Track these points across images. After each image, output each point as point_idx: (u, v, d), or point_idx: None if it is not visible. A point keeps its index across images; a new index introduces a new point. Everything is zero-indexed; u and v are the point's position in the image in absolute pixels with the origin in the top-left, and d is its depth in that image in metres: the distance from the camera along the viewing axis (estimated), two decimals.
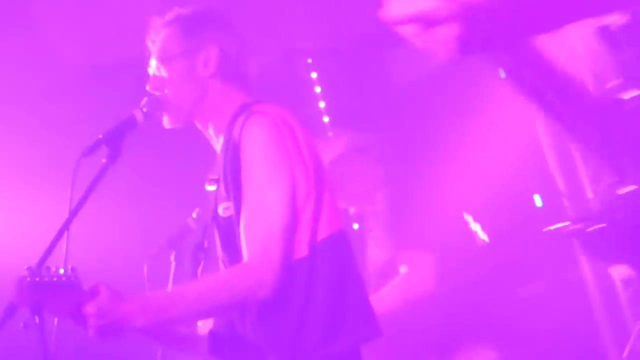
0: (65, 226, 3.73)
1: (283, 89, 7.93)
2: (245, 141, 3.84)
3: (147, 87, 4.15)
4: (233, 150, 3.88)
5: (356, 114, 8.94)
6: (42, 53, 7.91)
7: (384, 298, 5.62)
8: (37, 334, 3.58)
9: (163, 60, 4.14)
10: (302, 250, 3.81)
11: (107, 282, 3.65)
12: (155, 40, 4.22)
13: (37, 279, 3.50)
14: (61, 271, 3.55)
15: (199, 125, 4.21)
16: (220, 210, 3.97)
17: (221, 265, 4.06)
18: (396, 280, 5.67)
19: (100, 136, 3.89)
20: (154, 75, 4.17)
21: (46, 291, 3.52)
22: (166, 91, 4.11)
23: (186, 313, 3.85)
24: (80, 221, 3.79)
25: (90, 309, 3.56)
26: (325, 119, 9.13)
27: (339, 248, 3.93)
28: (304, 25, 8.82)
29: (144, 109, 4.00)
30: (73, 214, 3.76)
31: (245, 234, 3.79)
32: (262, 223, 3.76)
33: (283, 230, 3.75)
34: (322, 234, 3.87)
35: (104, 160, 3.88)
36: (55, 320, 3.69)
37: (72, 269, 3.56)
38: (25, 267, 3.50)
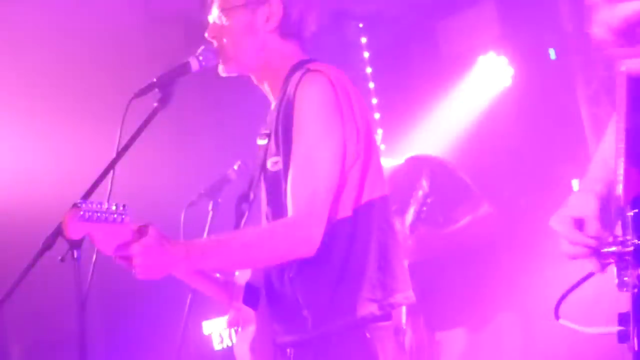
0: (112, 165, 3.73)
1: (332, 51, 7.95)
2: (300, 98, 3.83)
3: (206, 35, 4.14)
4: (287, 106, 3.88)
5: (401, 82, 8.95)
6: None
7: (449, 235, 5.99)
8: (73, 269, 3.60)
9: (225, 9, 4.10)
10: (346, 210, 3.81)
11: (142, 220, 3.66)
12: None
13: (89, 212, 3.50)
14: (113, 207, 3.55)
15: (254, 79, 4.19)
16: (269, 164, 3.97)
17: (264, 219, 4.05)
18: (461, 224, 5.85)
19: (154, 79, 3.91)
20: (214, 23, 4.14)
21: (96, 225, 3.53)
22: (225, 40, 4.09)
23: (229, 262, 3.88)
24: (126, 161, 3.80)
25: (136, 248, 3.56)
26: (371, 85, 9.14)
27: (380, 212, 3.92)
28: None
29: (200, 57, 4.02)
30: (120, 153, 3.76)
31: (292, 190, 3.79)
32: (309, 180, 3.75)
33: (329, 189, 3.75)
34: (366, 197, 3.86)
35: (155, 104, 3.90)
36: (94, 258, 3.70)
37: (124, 206, 3.56)
38: (79, 201, 3.50)
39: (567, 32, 7.84)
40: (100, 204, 3.50)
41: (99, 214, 3.49)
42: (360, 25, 9.36)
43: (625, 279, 2.17)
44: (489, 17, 8.70)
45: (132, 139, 3.78)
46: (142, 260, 3.54)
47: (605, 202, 2.35)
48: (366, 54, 9.33)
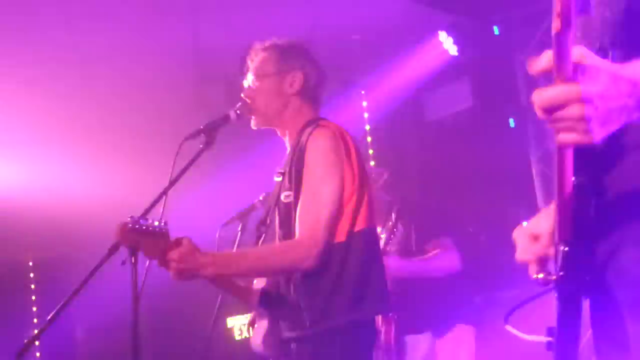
0: (165, 191, 3.80)
1: (339, 110, 8.00)
2: (310, 146, 3.94)
3: (242, 95, 4.23)
4: (299, 152, 3.97)
5: (393, 137, 8.99)
6: (158, 50, 7.99)
7: (417, 262, 5.90)
8: (131, 271, 3.65)
9: (259, 76, 4.21)
10: (341, 236, 3.89)
11: (187, 234, 3.73)
12: (254, 59, 4.28)
13: (137, 225, 3.58)
14: (156, 223, 3.63)
15: (277, 131, 4.28)
16: (282, 197, 4.05)
17: (277, 239, 4.12)
18: (429, 256, 5.84)
19: (201, 127, 3.98)
20: (249, 86, 4.23)
21: (141, 235, 3.61)
22: (257, 100, 4.19)
23: (246, 270, 3.98)
24: (176, 189, 3.86)
25: (173, 255, 3.65)
26: (369, 138, 9.18)
27: (369, 239, 4.00)
28: (360, 64, 8.88)
29: (237, 111, 4.10)
30: (172, 182, 3.83)
31: (300, 217, 3.88)
32: (314, 210, 3.85)
33: (329, 217, 3.84)
34: (359, 226, 3.94)
35: (201, 146, 3.97)
36: (147, 263, 3.75)
37: (165, 222, 3.64)
38: (129, 216, 3.58)
39: (523, 105, 7.89)
40: (146, 219, 3.59)
41: (144, 227, 3.58)
42: (362, 92, 9.41)
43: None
44: (465, 91, 8.74)
45: (182, 172, 3.85)
46: (177, 265, 3.65)
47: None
48: (366, 115, 9.38)
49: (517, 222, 7.90)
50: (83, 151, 8.42)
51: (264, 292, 4.14)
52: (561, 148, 1.84)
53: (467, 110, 8.75)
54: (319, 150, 3.92)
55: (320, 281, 3.88)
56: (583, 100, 1.72)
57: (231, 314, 9.27)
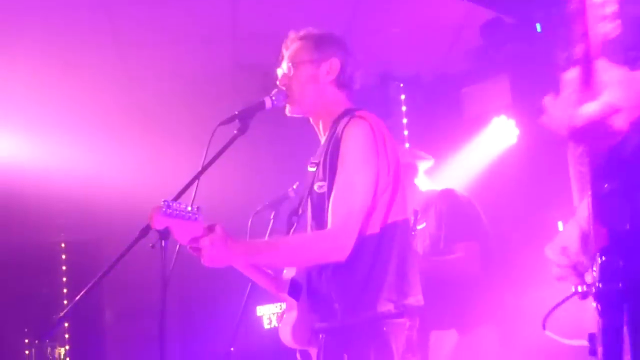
0: (197, 176, 3.78)
1: (377, 103, 7.98)
2: (346, 137, 3.89)
3: (278, 82, 4.21)
4: (334, 143, 3.93)
5: (429, 132, 8.95)
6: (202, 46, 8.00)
7: (436, 262, 5.82)
8: (160, 255, 3.64)
9: (295, 63, 4.19)
10: (375, 227, 3.85)
11: (219, 220, 3.71)
12: (290, 48, 4.27)
13: (170, 209, 3.57)
14: (189, 208, 3.61)
15: (311, 120, 4.27)
16: (315, 187, 4.02)
17: (309, 229, 4.09)
18: (451, 257, 5.77)
19: (236, 112, 3.96)
20: (285, 74, 4.22)
21: (174, 219, 3.59)
22: (293, 87, 4.17)
23: (277, 259, 3.95)
24: (209, 174, 3.85)
25: (205, 241, 3.63)
26: (406, 132, 9.15)
27: (402, 231, 3.97)
28: (403, 57, 8.85)
29: (273, 98, 4.08)
30: (205, 168, 3.81)
31: (332, 208, 3.84)
32: (347, 201, 3.81)
33: (362, 209, 3.80)
34: (392, 218, 3.90)
35: (235, 131, 3.95)
36: (177, 247, 3.74)
37: (198, 207, 3.62)
38: (163, 200, 3.56)
39: None
40: (180, 204, 3.57)
41: (177, 212, 3.57)
42: (401, 85, 9.38)
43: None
44: (503, 88, 8.69)
45: (215, 158, 3.83)
46: (209, 251, 3.64)
47: (586, 235, 2.37)
48: (404, 108, 9.35)
49: (553, 223, 7.87)
50: (118, 135, 8.47)
51: (293, 283, 4.11)
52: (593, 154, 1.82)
53: (506, 106, 8.69)
54: (354, 141, 3.88)
55: (353, 272, 3.84)
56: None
57: (261, 303, 9.27)
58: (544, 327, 2.70)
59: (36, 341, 9.03)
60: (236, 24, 7.99)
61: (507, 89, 8.71)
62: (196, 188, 3.79)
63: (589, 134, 1.74)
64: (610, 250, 2.05)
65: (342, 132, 3.92)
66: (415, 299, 3.96)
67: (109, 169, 8.65)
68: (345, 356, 3.83)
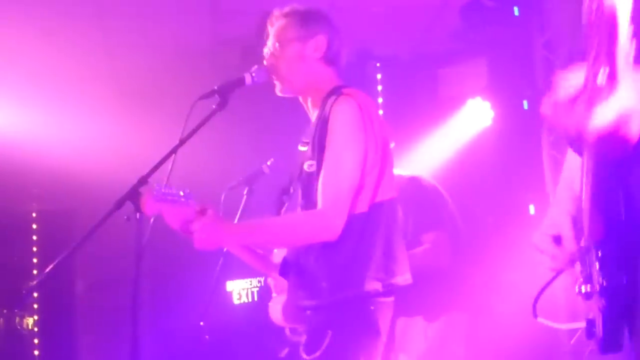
0: (174, 150, 3.80)
1: (353, 82, 7.98)
2: (334, 115, 3.90)
3: (265, 62, 4.21)
4: (323, 121, 3.94)
5: (405, 113, 8.97)
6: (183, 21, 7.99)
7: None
8: (135, 228, 3.66)
9: (282, 42, 4.17)
10: (363, 206, 3.87)
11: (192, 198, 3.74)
12: (275, 26, 4.25)
13: (162, 195, 3.62)
14: (181, 192, 3.67)
15: (300, 98, 4.26)
16: (305, 166, 4.02)
17: (298, 209, 4.11)
18: (419, 250, 5.72)
19: (216, 87, 3.98)
20: (272, 53, 4.20)
21: (167, 204, 3.64)
22: (281, 66, 4.16)
23: (268, 240, 4.04)
24: (185, 148, 3.86)
25: (197, 225, 3.69)
26: (380, 112, 9.15)
27: (390, 211, 3.99)
28: (381, 37, 8.87)
29: (253, 74, 4.09)
30: (182, 142, 3.83)
31: (322, 187, 3.86)
32: (335, 180, 3.83)
33: (351, 188, 3.82)
34: (380, 197, 3.92)
35: (214, 106, 3.97)
36: (151, 221, 3.76)
37: (189, 192, 3.69)
38: (155, 184, 3.62)
39: (539, 89, 7.85)
40: (170, 188, 3.62)
41: (169, 196, 3.61)
42: (378, 64, 9.40)
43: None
44: (480, 70, 8.73)
45: (193, 132, 3.85)
46: (201, 234, 3.69)
47: (575, 220, 2.36)
48: (380, 87, 9.37)
49: (524, 206, 7.90)
50: (95, 105, 8.45)
51: (285, 262, 4.15)
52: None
53: (481, 88, 8.73)
54: (342, 120, 3.89)
55: (340, 251, 3.86)
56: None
57: (231, 278, 9.29)
58: (534, 315, 2.70)
59: (4, 310, 9.02)
60: None
61: (483, 72, 8.75)
62: (172, 162, 3.80)
63: (604, 143, 1.74)
64: (608, 243, 2.06)
65: (330, 110, 3.92)
66: (403, 278, 4.00)
67: (85, 139, 8.62)
68: (329, 332, 3.85)
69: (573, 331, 6.43)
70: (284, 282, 4.20)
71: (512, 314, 6.24)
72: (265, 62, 4.21)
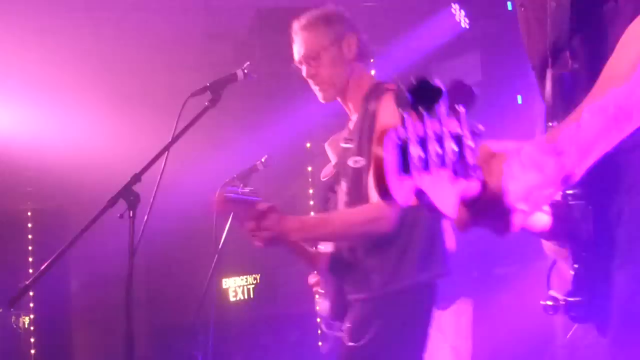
0: (167, 147, 3.81)
1: None
2: (382, 111, 3.96)
3: (304, 74, 4.25)
4: (371, 118, 3.98)
5: None
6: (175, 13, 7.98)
7: None
8: (129, 225, 3.66)
9: (316, 51, 4.19)
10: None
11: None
12: (301, 37, 4.26)
13: (234, 194, 3.68)
14: (248, 190, 3.74)
15: (339, 99, 4.28)
16: (350, 162, 4.07)
17: (342, 205, 4.17)
18: None
19: (208, 84, 3.98)
20: (308, 65, 4.22)
21: (238, 203, 3.75)
22: (322, 76, 4.20)
23: (329, 235, 4.10)
24: (178, 145, 3.86)
25: (266, 223, 3.80)
26: None
27: None
28: (374, 31, 8.84)
29: (245, 71, 4.10)
30: (175, 139, 3.84)
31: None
32: None
33: None
34: None
35: (206, 103, 3.97)
36: (145, 218, 3.76)
37: (255, 190, 3.75)
38: (225, 184, 3.70)
39: (532, 83, 7.87)
40: (237, 188, 3.70)
41: (240, 196, 3.70)
42: (371, 60, 9.38)
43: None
44: (474, 65, 8.73)
45: (186, 129, 3.86)
46: (268, 232, 3.79)
47: None
48: None
49: None
50: (88, 103, 8.41)
51: (332, 256, 4.21)
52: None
53: (476, 84, 8.72)
54: (391, 114, 3.90)
55: (392, 243, 3.96)
56: None
57: (227, 275, 9.29)
58: (548, 287, 2.68)
59: (0, 309, 9.01)
60: None
61: (477, 66, 8.75)
62: (166, 159, 3.81)
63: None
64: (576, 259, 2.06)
65: (377, 106, 3.98)
66: (446, 269, 4.09)
67: (79, 137, 8.60)
68: (378, 322, 3.95)
69: (569, 325, 6.44)
70: (331, 277, 4.26)
71: (505, 307, 6.29)
72: (304, 75, 4.24)
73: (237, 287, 9.33)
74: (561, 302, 2.08)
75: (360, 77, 4.19)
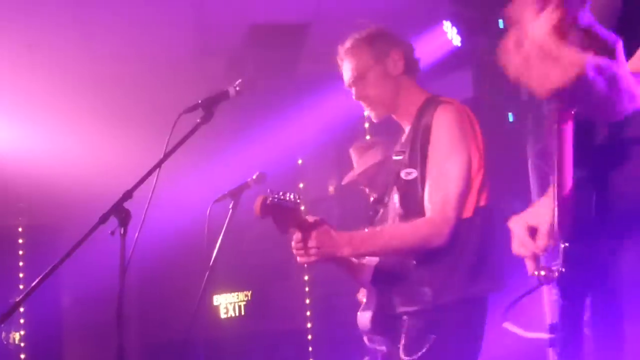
0: (159, 164, 3.80)
1: (339, 94, 7.98)
2: (437, 124, 3.96)
3: (354, 97, 4.26)
4: (424, 131, 3.99)
5: (390, 126, 8.98)
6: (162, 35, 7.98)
7: None
8: (120, 242, 3.65)
9: (362, 72, 4.21)
10: (468, 212, 3.95)
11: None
12: (347, 61, 4.28)
13: (276, 199, 3.66)
14: (291, 196, 3.72)
15: (393, 116, 4.28)
16: (402, 175, 4.07)
17: (395, 218, 4.15)
18: None
19: (200, 101, 3.98)
20: (357, 87, 4.23)
21: (279, 209, 3.73)
22: (371, 96, 4.20)
23: (379, 249, 4.05)
24: (170, 162, 3.86)
25: (313, 237, 3.79)
26: (366, 124, 9.17)
27: (491, 215, 4.07)
28: None
29: (237, 88, 4.09)
30: (167, 156, 3.83)
31: (429, 195, 3.93)
32: (443, 187, 3.90)
33: (459, 194, 3.90)
34: (482, 201, 4.01)
35: (198, 120, 3.97)
36: (136, 235, 3.76)
37: (299, 196, 3.74)
38: (269, 190, 3.68)
39: (523, 101, 7.88)
40: (281, 193, 3.68)
41: (283, 202, 3.68)
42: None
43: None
44: (466, 82, 8.74)
45: (178, 146, 3.85)
46: (316, 247, 3.80)
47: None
48: None
49: (510, 217, 7.91)
50: (79, 119, 8.42)
51: (377, 269, 4.18)
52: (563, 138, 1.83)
53: (467, 101, 8.73)
54: (446, 127, 3.96)
55: (445, 256, 3.93)
56: None
57: (218, 292, 9.29)
58: (504, 319, 2.71)
59: None
60: (201, 9, 7.97)
61: (469, 83, 8.77)
62: (157, 176, 3.81)
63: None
64: (575, 237, 2.07)
65: (432, 119, 3.99)
66: (497, 283, 4.06)
67: (70, 154, 8.61)
68: (433, 337, 3.92)
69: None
70: (374, 289, 4.22)
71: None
72: (360, 102, 4.25)
73: (228, 303, 9.33)
74: (555, 274, 2.10)
75: (410, 91, 4.19)
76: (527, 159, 7.89)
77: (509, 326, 2.55)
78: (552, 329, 2.23)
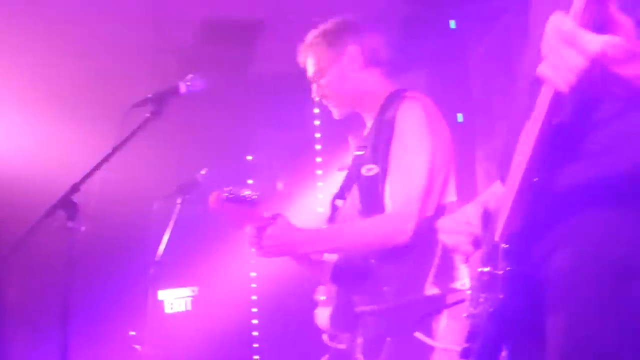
0: (106, 158, 3.79)
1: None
2: (400, 119, 3.93)
3: (316, 97, 4.28)
4: (388, 125, 3.95)
5: (344, 129, 8.99)
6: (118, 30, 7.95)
7: None
8: (67, 235, 3.64)
9: (321, 71, 4.20)
10: (429, 210, 3.90)
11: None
12: (307, 59, 4.28)
13: (232, 195, 3.63)
14: (248, 192, 3.68)
15: (357, 111, 4.26)
16: (363, 171, 4.01)
17: (355, 214, 4.10)
18: None
19: (150, 95, 3.96)
20: (318, 87, 4.24)
21: (235, 205, 3.68)
22: (332, 92, 4.19)
23: (339, 246, 4.03)
24: (118, 156, 3.85)
25: (268, 233, 3.75)
26: (317, 134, 9.15)
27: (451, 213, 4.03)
28: None
29: (188, 83, 4.07)
30: (115, 150, 3.82)
31: (392, 191, 3.88)
32: (406, 183, 3.85)
33: (422, 191, 3.85)
34: (446, 199, 3.98)
35: (147, 115, 3.95)
36: (83, 229, 3.74)
37: (261, 194, 3.70)
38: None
39: (473, 101, 7.92)
40: (239, 189, 3.65)
41: (239, 198, 3.64)
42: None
43: (481, 299, 2.16)
44: (418, 84, 8.78)
45: (126, 140, 3.83)
46: (272, 242, 3.76)
47: (487, 212, 2.37)
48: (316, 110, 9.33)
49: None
50: (26, 111, 8.34)
51: (336, 266, 4.13)
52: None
53: None
54: (409, 123, 3.92)
55: (407, 255, 3.88)
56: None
57: (162, 287, 9.25)
58: (416, 329, 2.71)
59: None
60: (157, 6, 7.92)
61: (422, 85, 8.80)
62: (104, 168, 3.79)
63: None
64: (518, 238, 2.08)
65: (395, 113, 3.95)
66: (460, 283, 3.97)
67: (15, 146, 8.51)
68: (388, 339, 3.87)
69: None
70: (333, 287, 4.17)
71: None
72: (317, 97, 4.26)
73: (173, 299, 9.29)
74: (500, 272, 2.10)
75: (372, 85, 4.16)
76: (475, 161, 7.92)
77: (420, 336, 2.55)
78: (470, 337, 2.22)
